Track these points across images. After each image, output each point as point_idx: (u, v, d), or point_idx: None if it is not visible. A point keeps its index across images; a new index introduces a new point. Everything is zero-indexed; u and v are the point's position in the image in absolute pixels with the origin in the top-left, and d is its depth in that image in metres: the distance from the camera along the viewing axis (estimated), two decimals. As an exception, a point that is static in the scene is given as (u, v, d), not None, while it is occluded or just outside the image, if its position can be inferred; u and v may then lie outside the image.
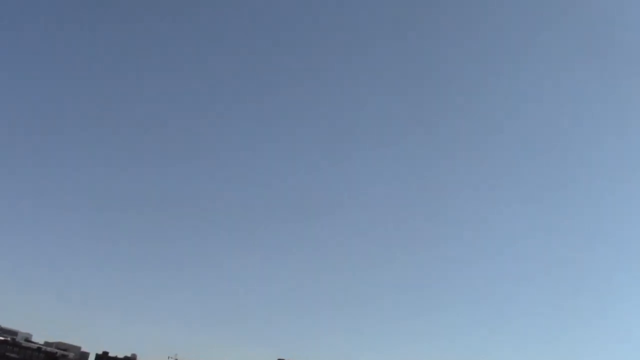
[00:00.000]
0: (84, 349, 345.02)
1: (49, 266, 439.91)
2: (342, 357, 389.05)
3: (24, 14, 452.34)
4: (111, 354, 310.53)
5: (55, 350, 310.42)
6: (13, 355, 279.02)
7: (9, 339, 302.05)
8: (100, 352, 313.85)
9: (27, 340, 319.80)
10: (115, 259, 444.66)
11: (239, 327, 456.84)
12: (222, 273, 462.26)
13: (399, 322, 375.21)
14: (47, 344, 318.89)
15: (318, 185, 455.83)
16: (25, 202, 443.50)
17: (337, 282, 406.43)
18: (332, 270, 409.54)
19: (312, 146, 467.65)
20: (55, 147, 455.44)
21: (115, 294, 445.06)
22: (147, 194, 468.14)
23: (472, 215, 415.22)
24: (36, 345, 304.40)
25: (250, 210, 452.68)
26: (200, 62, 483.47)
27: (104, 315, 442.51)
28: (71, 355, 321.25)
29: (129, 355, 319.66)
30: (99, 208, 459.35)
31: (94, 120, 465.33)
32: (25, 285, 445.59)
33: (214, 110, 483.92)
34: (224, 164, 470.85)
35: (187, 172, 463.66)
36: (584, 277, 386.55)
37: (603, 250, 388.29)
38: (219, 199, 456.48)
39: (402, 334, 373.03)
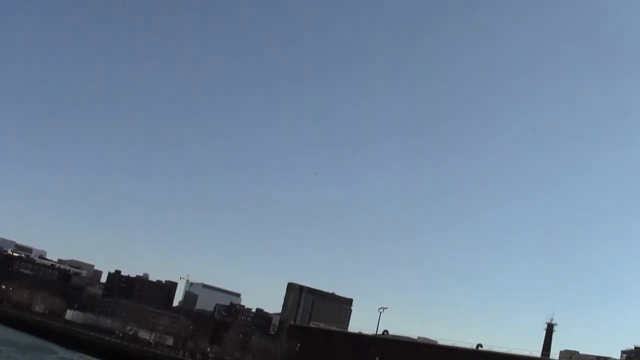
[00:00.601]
0: (97, 267, 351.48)
1: (63, 186, 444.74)
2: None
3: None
4: (123, 273, 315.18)
5: (69, 267, 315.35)
6: (27, 271, 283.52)
7: (23, 255, 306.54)
8: (112, 271, 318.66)
9: (42, 257, 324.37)
10: (130, 183, 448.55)
11: (250, 254, 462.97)
12: (233, 196, 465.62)
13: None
14: (60, 261, 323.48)
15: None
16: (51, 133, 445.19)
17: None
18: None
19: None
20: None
21: (129, 216, 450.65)
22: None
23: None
24: (50, 263, 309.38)
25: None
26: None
27: (117, 236, 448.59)
28: (84, 273, 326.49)
29: (140, 274, 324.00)
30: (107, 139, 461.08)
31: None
32: (41, 204, 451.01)
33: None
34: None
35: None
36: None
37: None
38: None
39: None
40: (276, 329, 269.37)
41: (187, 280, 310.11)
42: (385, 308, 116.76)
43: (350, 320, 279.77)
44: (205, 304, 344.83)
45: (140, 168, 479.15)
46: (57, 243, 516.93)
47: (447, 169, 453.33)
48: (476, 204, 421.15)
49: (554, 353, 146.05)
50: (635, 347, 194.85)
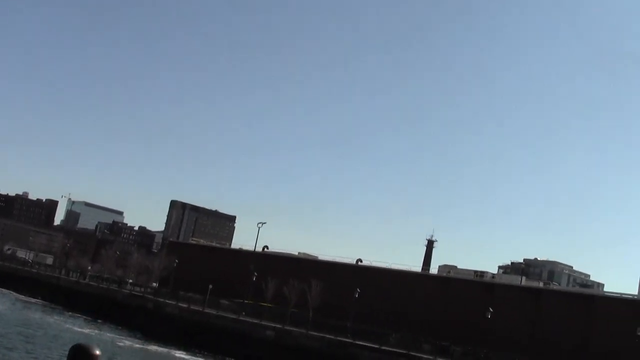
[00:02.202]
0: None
1: None
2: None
3: None
4: (2, 192, 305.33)
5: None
6: None
7: None
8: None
9: None
10: (6, 92, 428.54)
11: (133, 172, 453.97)
12: (116, 113, 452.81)
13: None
14: None
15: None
16: None
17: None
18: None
19: None
20: None
21: (5, 130, 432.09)
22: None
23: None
24: None
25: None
26: None
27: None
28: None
29: (20, 193, 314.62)
30: None
31: None
32: None
33: None
34: None
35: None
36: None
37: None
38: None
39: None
40: (159, 247, 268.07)
41: (69, 199, 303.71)
42: (264, 223, 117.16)
43: (234, 237, 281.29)
44: (87, 222, 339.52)
45: (17, 75, 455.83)
46: None
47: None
48: (355, 122, 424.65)
49: (433, 268, 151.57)
50: (512, 262, 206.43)
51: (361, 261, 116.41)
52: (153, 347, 77.84)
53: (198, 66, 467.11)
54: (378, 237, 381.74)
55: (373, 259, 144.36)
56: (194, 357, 74.84)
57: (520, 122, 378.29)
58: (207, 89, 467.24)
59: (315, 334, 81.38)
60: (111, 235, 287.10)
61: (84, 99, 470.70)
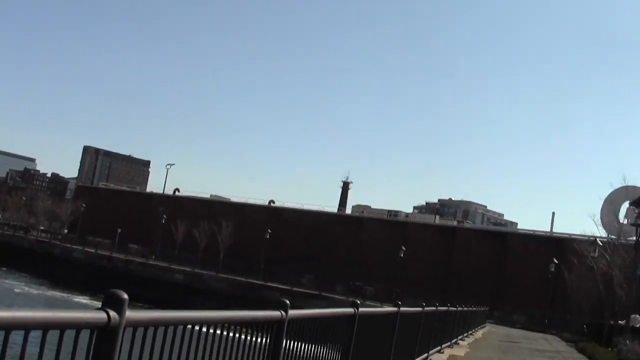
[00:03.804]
0: None
1: None
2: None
3: None
4: None
5: None
6: None
7: None
8: None
9: None
10: None
11: (44, 117, 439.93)
12: (26, 53, 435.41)
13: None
14: None
15: None
16: None
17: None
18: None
19: None
20: None
21: None
22: None
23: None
24: None
25: None
26: None
27: None
28: None
29: None
30: None
31: None
32: None
33: None
34: None
35: None
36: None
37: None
38: None
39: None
40: (73, 194, 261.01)
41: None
42: (173, 164, 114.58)
43: (148, 182, 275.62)
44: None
45: None
46: None
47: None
48: (273, 53, 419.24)
49: (349, 208, 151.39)
50: (427, 203, 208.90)
51: (273, 202, 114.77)
52: (53, 293, 74.72)
53: (118, 10, 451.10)
54: (293, 179, 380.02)
55: (288, 200, 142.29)
56: (93, 302, 72.07)
57: (439, 57, 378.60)
58: (122, 33, 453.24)
59: (226, 276, 79.75)
60: (23, 183, 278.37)
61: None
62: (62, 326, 2.81)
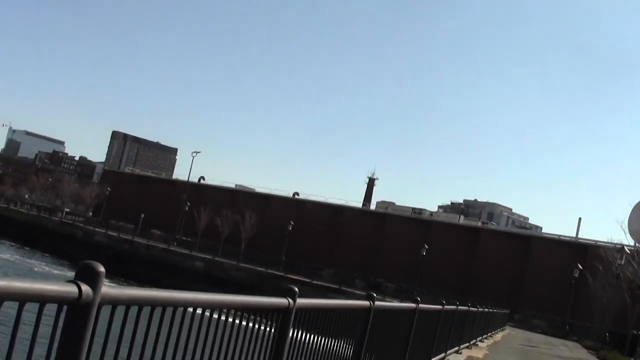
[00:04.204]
0: None
1: None
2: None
3: None
4: None
5: None
6: None
7: None
8: None
9: None
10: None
11: (75, 101, 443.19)
12: (59, 40, 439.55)
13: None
14: None
15: None
16: None
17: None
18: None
19: None
20: None
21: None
22: None
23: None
24: None
25: None
26: None
27: None
28: None
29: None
30: None
31: None
32: None
33: None
34: None
35: None
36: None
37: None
38: None
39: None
40: (99, 178, 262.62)
41: (10, 127, 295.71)
42: (199, 152, 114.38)
43: (175, 170, 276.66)
44: (28, 151, 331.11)
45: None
46: None
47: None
48: (300, 55, 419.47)
49: (373, 204, 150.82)
50: (452, 203, 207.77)
51: (298, 194, 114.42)
52: (70, 274, 74.82)
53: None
54: (318, 173, 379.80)
55: (312, 194, 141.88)
56: (112, 285, 72.13)
57: (464, 65, 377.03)
58: (150, 20, 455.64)
59: (246, 266, 79.61)
60: (51, 165, 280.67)
61: (24, 25, 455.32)
62: (26, 298, 2.39)
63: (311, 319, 5.91)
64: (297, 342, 5.75)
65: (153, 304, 3.29)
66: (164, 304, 3.39)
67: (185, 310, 3.65)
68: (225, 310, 4.27)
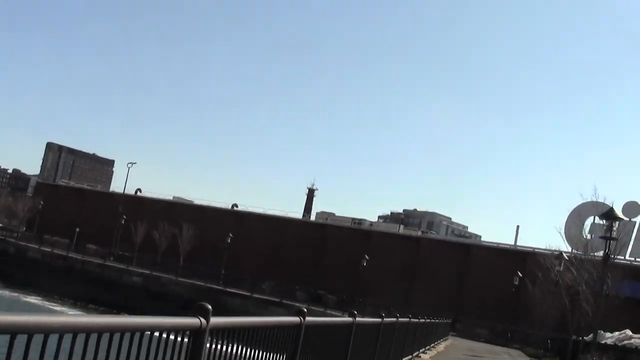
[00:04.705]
0: None
1: None
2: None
3: None
4: None
5: None
6: None
7: None
8: None
9: None
10: None
11: (7, 111, 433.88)
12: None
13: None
14: None
15: None
16: None
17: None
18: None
19: None
20: None
21: None
22: None
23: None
24: None
25: None
26: None
27: None
28: None
29: None
30: None
31: None
32: None
33: None
34: None
35: None
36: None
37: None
38: None
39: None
40: (34, 191, 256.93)
41: None
42: (135, 163, 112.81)
43: (112, 182, 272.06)
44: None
45: None
46: None
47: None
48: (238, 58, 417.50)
49: (313, 215, 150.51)
50: (391, 212, 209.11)
51: (237, 206, 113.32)
52: (4, 292, 72.48)
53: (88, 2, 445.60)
54: (257, 184, 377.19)
55: (251, 205, 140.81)
56: (45, 303, 70.07)
57: (401, 73, 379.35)
58: (88, 28, 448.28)
59: (185, 280, 78.11)
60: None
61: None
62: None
63: (237, 338, 5.47)
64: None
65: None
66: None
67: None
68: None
